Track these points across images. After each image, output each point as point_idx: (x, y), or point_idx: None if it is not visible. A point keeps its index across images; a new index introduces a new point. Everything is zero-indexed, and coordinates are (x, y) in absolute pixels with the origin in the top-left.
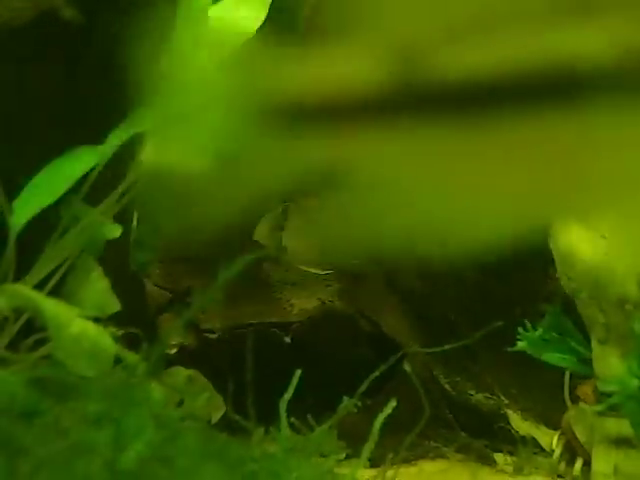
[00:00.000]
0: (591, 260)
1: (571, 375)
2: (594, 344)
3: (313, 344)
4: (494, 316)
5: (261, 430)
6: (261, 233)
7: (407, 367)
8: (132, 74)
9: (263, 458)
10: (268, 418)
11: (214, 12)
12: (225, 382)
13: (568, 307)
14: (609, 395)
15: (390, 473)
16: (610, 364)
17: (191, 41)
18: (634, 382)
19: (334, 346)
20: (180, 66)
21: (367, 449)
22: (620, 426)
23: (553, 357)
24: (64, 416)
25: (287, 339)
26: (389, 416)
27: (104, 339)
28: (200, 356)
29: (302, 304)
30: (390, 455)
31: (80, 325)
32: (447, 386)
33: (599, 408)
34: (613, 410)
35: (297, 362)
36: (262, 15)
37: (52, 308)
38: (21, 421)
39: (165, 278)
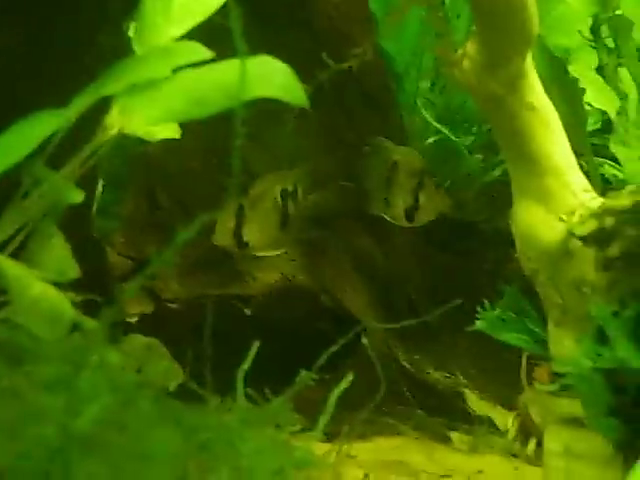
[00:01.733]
0: (549, 242)
1: (528, 358)
2: (550, 325)
3: (274, 317)
4: (455, 296)
5: (217, 399)
6: (221, 236)
7: (365, 341)
8: (101, 39)
9: (218, 427)
10: (226, 389)
11: None
12: (184, 352)
13: (527, 288)
14: (563, 375)
15: (345, 448)
16: (565, 345)
17: (161, 9)
18: (587, 363)
19: (294, 320)
20: (149, 34)
21: (322, 422)
22: (572, 406)
23: (510, 337)
24: (19, 380)
25: (247, 311)
26: (347, 391)
27: (63, 303)
28: (160, 325)
29: (264, 278)
30: (346, 429)
31: (40, 288)
32: (405, 363)
33: (552, 388)
34: (566, 390)
35: (257, 335)
36: None
37: (13, 270)
38: None
39: (128, 247)
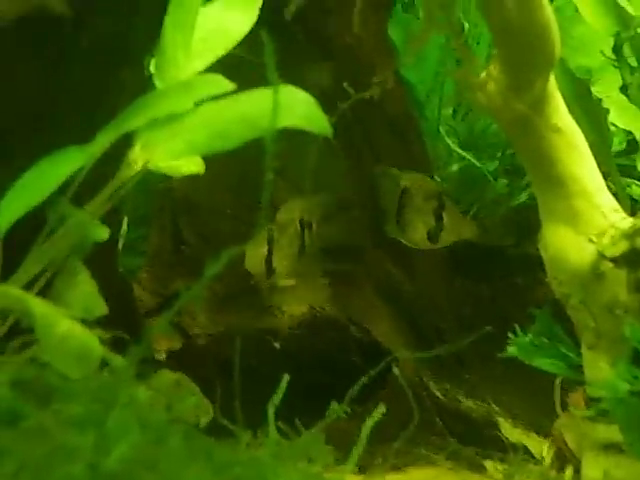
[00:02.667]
0: (580, 264)
1: (562, 383)
2: (584, 349)
3: (303, 350)
4: (484, 323)
5: (249, 434)
6: (252, 263)
7: (396, 371)
8: (121, 75)
9: (250, 462)
10: (257, 423)
11: (204, 14)
12: (214, 387)
13: (558, 312)
14: (599, 400)
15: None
16: (600, 369)
17: (181, 44)
18: (623, 386)
19: (324, 352)
20: (170, 69)
21: (355, 454)
22: (610, 432)
23: (543, 362)
24: (48, 418)
25: (277, 345)
26: (379, 423)
27: (91, 341)
28: (189, 361)
29: (292, 310)
30: (379, 461)
31: (67, 326)
32: (437, 393)
33: (589, 413)
34: (603, 415)
35: (287, 368)
36: (252, 18)
37: (40, 308)
38: (5, 424)
39: (154, 283)
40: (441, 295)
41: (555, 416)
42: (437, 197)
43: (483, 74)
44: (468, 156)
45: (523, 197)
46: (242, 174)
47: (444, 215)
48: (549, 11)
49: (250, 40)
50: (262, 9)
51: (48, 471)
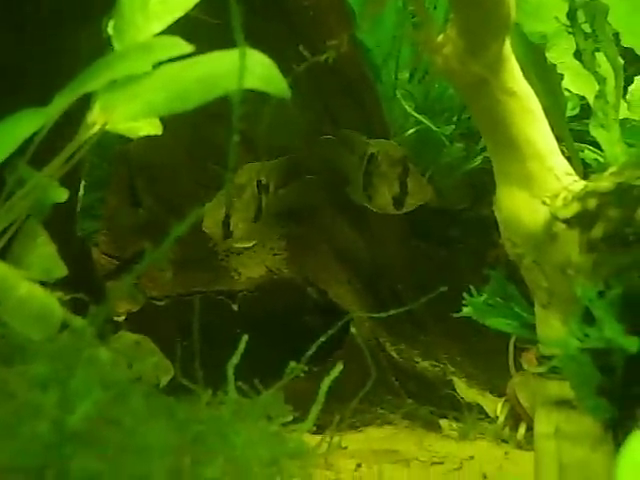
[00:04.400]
0: (534, 226)
1: (516, 343)
2: (537, 308)
3: (260, 312)
4: (439, 284)
5: (209, 393)
6: (209, 225)
7: (354, 331)
8: (79, 37)
9: (210, 420)
10: (216, 383)
11: None
12: (173, 348)
13: (512, 273)
14: (551, 358)
15: (336, 439)
16: (553, 328)
17: (139, 6)
18: (575, 343)
19: (281, 314)
20: (128, 31)
21: (313, 412)
22: (561, 388)
23: (497, 322)
24: (11, 379)
25: (235, 307)
26: (336, 383)
27: (51, 302)
28: (148, 323)
29: (249, 272)
30: (336, 420)
31: (27, 288)
32: (393, 353)
33: (540, 370)
34: (554, 372)
35: (245, 329)
36: None
37: None
38: None
39: (112, 246)
40: (397, 257)
41: (509, 376)
42: (402, 162)
43: (440, 36)
44: (424, 120)
45: (478, 161)
46: (198, 136)
47: (408, 180)
48: None
49: (207, 2)
50: None
51: (14, 430)
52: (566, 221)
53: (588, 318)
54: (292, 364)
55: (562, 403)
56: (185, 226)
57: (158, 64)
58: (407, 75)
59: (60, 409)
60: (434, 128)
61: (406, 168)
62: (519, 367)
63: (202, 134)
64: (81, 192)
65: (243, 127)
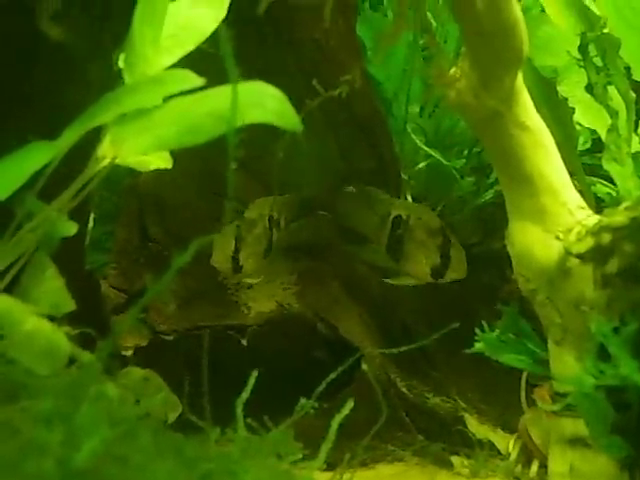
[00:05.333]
0: (547, 261)
1: (528, 380)
2: (550, 345)
3: (270, 347)
4: (451, 320)
5: (217, 431)
6: (218, 259)
7: (365, 367)
8: (90, 70)
9: (219, 458)
10: (225, 420)
11: (173, 10)
12: (182, 383)
13: (525, 309)
14: (565, 395)
15: (347, 476)
16: (566, 364)
17: (150, 39)
18: (589, 381)
19: (291, 349)
20: (139, 65)
21: (324, 450)
22: (575, 426)
23: (510, 358)
24: (15, 415)
25: (244, 342)
26: (347, 420)
27: (58, 337)
28: (156, 357)
29: (259, 307)
30: (347, 457)
31: (34, 323)
32: (404, 389)
33: (555, 408)
34: (569, 410)
35: (254, 364)
36: (221, 14)
37: (5, 305)
38: None
39: (121, 279)
40: (409, 293)
41: (521, 412)
42: (442, 232)
43: (453, 70)
44: (435, 154)
45: (489, 195)
46: (209, 170)
47: (451, 253)
48: (517, 9)
49: (219, 36)
50: (231, 5)
51: (17, 467)
52: (580, 256)
53: (603, 355)
54: (302, 401)
55: (577, 441)
56: (188, 256)
57: (169, 97)
58: (418, 109)
59: (65, 446)
60: (445, 162)
61: (447, 239)
62: (531, 403)
63: (212, 167)
64: (90, 225)
65: (256, 163)
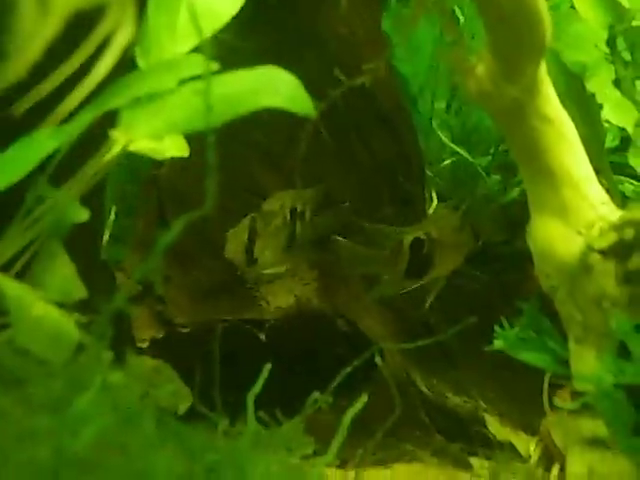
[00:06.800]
0: (568, 256)
1: (551, 381)
2: (571, 343)
3: (288, 342)
4: (474, 318)
5: (226, 422)
6: (231, 251)
7: (379, 361)
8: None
9: (227, 450)
10: (238, 413)
11: None
12: (196, 376)
13: (546, 306)
14: (584, 394)
15: (361, 474)
16: (586, 363)
17: (165, 26)
18: (609, 379)
19: (310, 344)
20: (154, 51)
21: (335, 445)
22: (595, 426)
23: (530, 356)
24: (17, 402)
25: (262, 336)
26: (363, 416)
27: (67, 324)
28: (172, 349)
29: (278, 302)
30: (360, 454)
31: (42, 308)
32: (424, 388)
33: (573, 406)
34: (588, 409)
35: (271, 359)
36: (240, 1)
37: (12, 290)
38: None
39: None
40: (430, 290)
41: (543, 414)
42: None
43: (474, 58)
44: (461, 151)
45: (515, 193)
46: (230, 164)
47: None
48: None
49: (238, 24)
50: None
51: (14, 454)
52: (602, 252)
53: (624, 353)
54: (315, 395)
55: (596, 442)
56: (171, 236)
57: (182, 82)
58: (444, 105)
59: (63, 433)
60: (470, 159)
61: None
62: (554, 406)
63: (233, 161)
64: (112, 218)
65: (277, 156)
